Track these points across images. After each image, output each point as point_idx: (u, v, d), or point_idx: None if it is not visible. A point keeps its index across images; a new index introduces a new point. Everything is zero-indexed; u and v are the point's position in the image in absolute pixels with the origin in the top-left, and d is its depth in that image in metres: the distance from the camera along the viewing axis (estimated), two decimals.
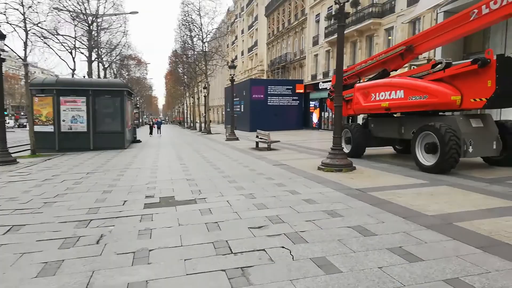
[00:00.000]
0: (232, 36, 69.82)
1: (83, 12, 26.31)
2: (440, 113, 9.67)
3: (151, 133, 30.88)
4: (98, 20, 29.52)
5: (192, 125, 49.93)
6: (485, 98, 7.70)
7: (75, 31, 25.86)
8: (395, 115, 11.06)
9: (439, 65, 8.87)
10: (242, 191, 6.66)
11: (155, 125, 32.44)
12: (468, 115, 8.87)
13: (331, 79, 30.96)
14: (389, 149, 13.18)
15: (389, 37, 24.89)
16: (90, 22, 27.17)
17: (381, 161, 10.61)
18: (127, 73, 54.85)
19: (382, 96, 10.06)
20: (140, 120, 73.65)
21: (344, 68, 11.72)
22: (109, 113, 17.65)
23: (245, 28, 59.44)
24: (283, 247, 3.78)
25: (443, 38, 9.35)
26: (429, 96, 8.59)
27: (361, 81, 12.47)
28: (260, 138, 16.15)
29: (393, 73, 11.47)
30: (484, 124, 8.45)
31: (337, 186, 6.90)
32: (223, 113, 57.49)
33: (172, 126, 73.47)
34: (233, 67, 21.19)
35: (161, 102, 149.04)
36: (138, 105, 73.90)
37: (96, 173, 9.55)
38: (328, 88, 26.68)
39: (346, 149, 11.52)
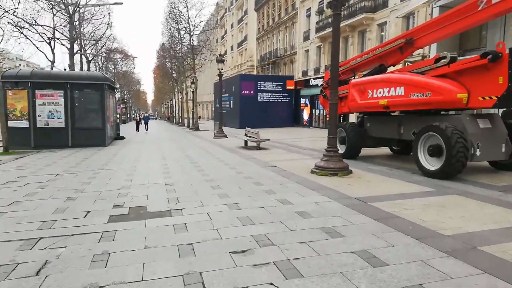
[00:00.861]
0: (221, 30, 68.60)
1: (63, 1, 25.00)
2: (442, 112, 8.97)
3: (137, 129, 29.55)
4: (80, 10, 28.24)
5: (180, 121, 48.82)
6: (495, 96, 6.98)
7: (53, 20, 24.59)
8: (393, 114, 10.33)
9: (443, 60, 8.14)
10: (226, 200, 5.82)
11: (142, 121, 31.05)
12: (474, 114, 8.17)
13: (322, 75, 30.23)
14: (385, 150, 12.46)
15: (382, 33, 24.21)
16: (71, 12, 25.90)
17: (378, 164, 9.87)
18: (113, 66, 53.42)
19: (380, 93, 9.30)
20: (128, 115, 72.12)
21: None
22: (89, 108, 16.63)
23: (235, 22, 58.30)
24: (271, 283, 2.96)
25: (446, 30, 8.61)
26: (433, 94, 7.84)
27: (356, 77, 11.69)
28: (249, 137, 15.31)
29: (390, 69, 10.73)
30: (492, 125, 7.74)
31: (333, 194, 6.11)
32: (213, 109, 56.44)
33: (161, 122, 72.19)
34: (221, 61, 20.28)
35: (150, 97, 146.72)
36: (125, 100, 72.51)
37: (66, 175, 8.61)
38: (320, 84, 25.94)
39: (341, 149, 10.75)
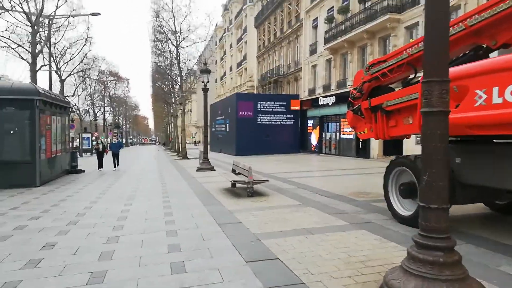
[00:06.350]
0: (220, 52, 64.78)
1: (23, 9, 20.53)
2: None
3: (100, 165, 17.90)
4: (46, 20, 23.78)
5: (172, 146, 43.93)
6: None
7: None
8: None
9: None
10: None
11: (108, 150, 19.78)
12: None
13: (333, 93, 25.22)
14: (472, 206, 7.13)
15: (411, 40, 19.43)
16: (33, 21, 21.44)
17: (505, 251, 4.63)
18: (103, 88, 49.14)
19: None
20: (124, 141, 67.15)
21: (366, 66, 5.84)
22: (12, 133, 11.69)
23: (234, 42, 54.35)
24: None
25: None
26: None
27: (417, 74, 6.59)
28: (237, 173, 10.20)
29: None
30: None
31: None
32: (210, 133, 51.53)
33: (156, 148, 67.11)
34: (206, 71, 15.37)
35: (151, 123, 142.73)
36: (119, 125, 68.00)
37: None
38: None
39: (404, 209, 5.67)
